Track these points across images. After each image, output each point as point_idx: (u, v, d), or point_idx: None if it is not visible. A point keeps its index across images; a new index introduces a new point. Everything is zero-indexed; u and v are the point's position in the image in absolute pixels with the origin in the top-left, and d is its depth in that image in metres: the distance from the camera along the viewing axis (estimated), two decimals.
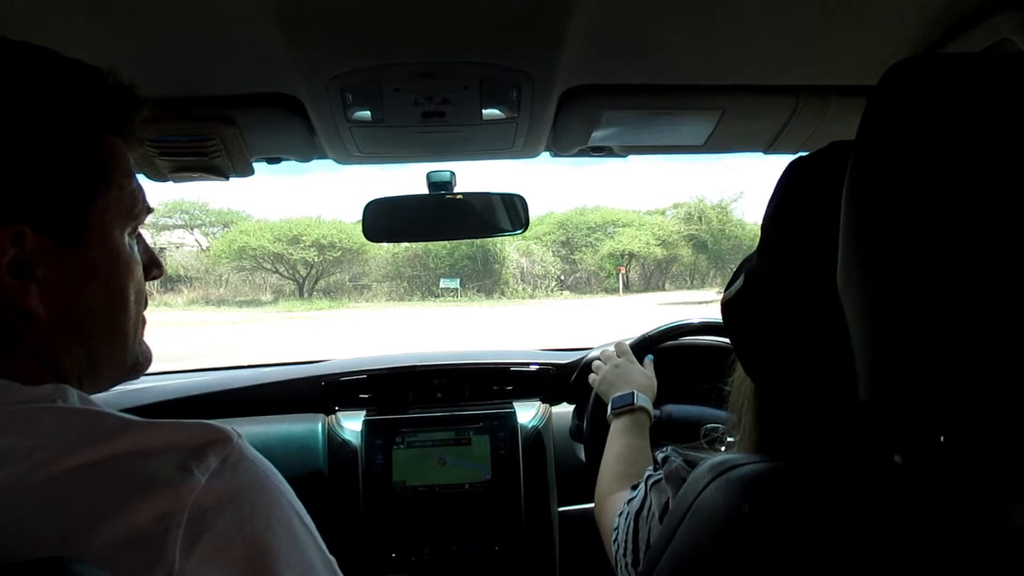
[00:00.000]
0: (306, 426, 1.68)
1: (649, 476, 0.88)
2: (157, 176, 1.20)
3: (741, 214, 25.60)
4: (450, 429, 1.66)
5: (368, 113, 1.08)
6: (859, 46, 1.00)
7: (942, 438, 0.49)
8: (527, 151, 1.30)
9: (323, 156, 1.27)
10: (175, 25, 0.86)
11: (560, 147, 1.29)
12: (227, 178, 1.22)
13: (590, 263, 24.20)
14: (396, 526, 1.60)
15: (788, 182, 0.65)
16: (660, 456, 0.87)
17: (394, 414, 1.70)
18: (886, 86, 0.45)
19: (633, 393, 1.27)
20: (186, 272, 22.83)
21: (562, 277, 24.31)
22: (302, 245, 22.33)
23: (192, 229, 24.19)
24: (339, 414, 1.75)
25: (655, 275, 25.21)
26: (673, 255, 24.44)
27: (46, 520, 0.46)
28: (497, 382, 1.78)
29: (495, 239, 22.64)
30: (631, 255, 24.05)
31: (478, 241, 22.17)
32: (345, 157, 1.26)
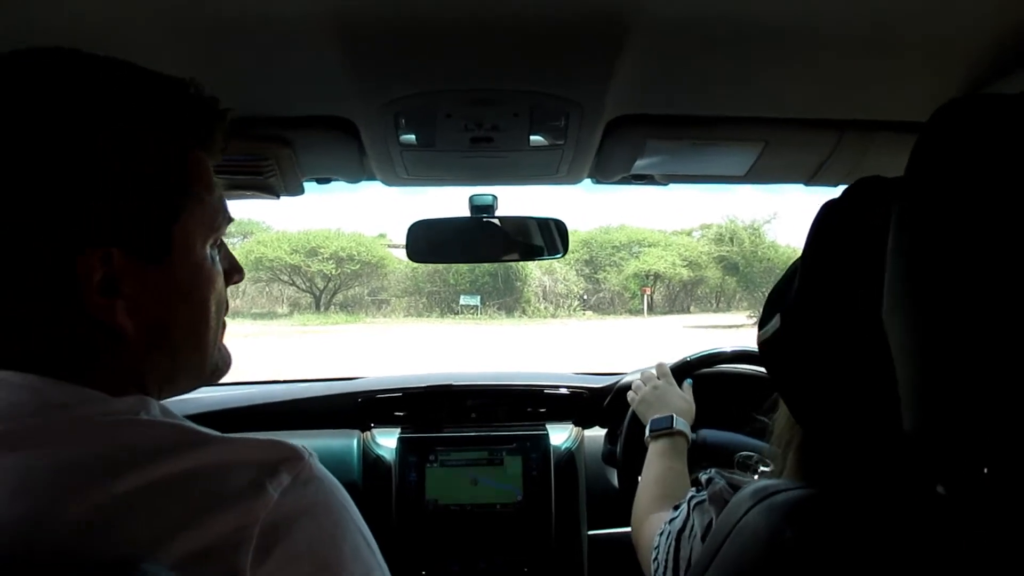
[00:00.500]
0: (342, 441, 1.74)
1: (692, 497, 0.91)
2: None
3: (774, 236, 24.93)
4: (483, 449, 1.70)
5: (419, 137, 1.13)
6: (904, 83, 1.02)
7: (986, 470, 0.49)
8: (571, 177, 1.34)
9: (372, 178, 1.33)
10: (239, 46, 0.90)
11: (603, 174, 1.33)
12: (278, 197, 1.27)
13: (614, 283, 23.97)
14: (427, 543, 1.64)
15: (823, 222, 0.66)
16: (704, 477, 0.89)
17: (428, 432, 1.75)
18: (937, 125, 0.47)
19: (672, 416, 1.30)
20: None
21: (585, 297, 24.10)
22: (320, 257, 22.16)
23: None
24: (374, 430, 1.80)
25: (680, 297, 24.82)
26: (699, 276, 24.04)
27: (125, 529, 0.49)
28: (531, 404, 1.83)
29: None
30: (656, 276, 23.77)
31: None
32: (393, 179, 1.32)
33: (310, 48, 0.89)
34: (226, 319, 0.71)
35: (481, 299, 23.12)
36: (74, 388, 0.55)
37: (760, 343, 0.70)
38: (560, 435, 1.79)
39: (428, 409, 1.81)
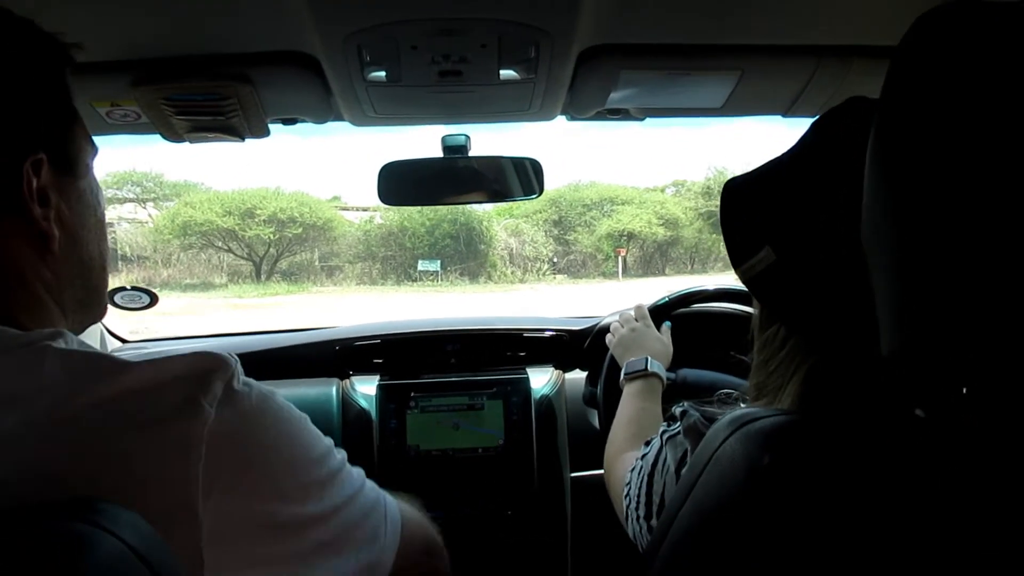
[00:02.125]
0: (321, 390, 1.83)
1: (664, 431, 0.95)
2: (173, 136, 1.30)
3: None
4: (463, 394, 1.82)
5: (385, 72, 1.18)
6: (882, 4, 1.07)
7: (965, 390, 0.51)
8: (544, 113, 1.40)
9: (339, 118, 1.38)
10: None
11: (577, 109, 1.39)
12: (243, 139, 1.31)
13: (586, 244, 23.31)
14: (410, 489, 1.72)
15: (809, 145, 0.71)
16: (678, 411, 0.92)
17: (407, 379, 1.85)
18: (918, 32, 0.48)
19: (647, 358, 1.39)
20: (132, 251, 21.80)
21: (555, 259, 23.46)
22: (257, 220, 20.83)
23: (144, 203, 23.02)
24: (353, 379, 1.90)
25: (655, 258, 24.04)
26: (675, 236, 23.34)
27: (63, 461, 0.53)
28: (510, 348, 1.94)
29: (479, 217, 21.84)
30: (631, 235, 23.12)
31: (461, 219, 21.59)
32: (361, 119, 1.37)
33: None
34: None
35: (441, 264, 22.43)
36: None
37: (747, 279, 0.73)
38: (541, 379, 1.90)
39: (407, 356, 1.92)
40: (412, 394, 1.82)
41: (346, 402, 1.85)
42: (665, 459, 0.91)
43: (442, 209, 20.64)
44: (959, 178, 0.45)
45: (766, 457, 0.58)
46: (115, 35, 1.08)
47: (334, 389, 1.86)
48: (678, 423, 0.91)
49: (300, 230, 21.71)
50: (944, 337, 0.47)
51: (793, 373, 0.74)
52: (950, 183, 0.45)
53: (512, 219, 23.10)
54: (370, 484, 0.74)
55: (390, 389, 1.84)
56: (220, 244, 21.95)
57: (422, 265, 22.57)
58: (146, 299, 1.77)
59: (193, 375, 0.59)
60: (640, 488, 0.95)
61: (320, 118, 1.38)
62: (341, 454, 0.71)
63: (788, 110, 1.40)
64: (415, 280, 22.43)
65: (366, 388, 1.88)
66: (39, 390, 0.55)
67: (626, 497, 0.99)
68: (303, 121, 1.39)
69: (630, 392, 1.37)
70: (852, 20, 1.15)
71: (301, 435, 0.67)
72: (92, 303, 0.74)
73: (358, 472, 0.73)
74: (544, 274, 23.11)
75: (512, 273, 23.02)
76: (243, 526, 0.59)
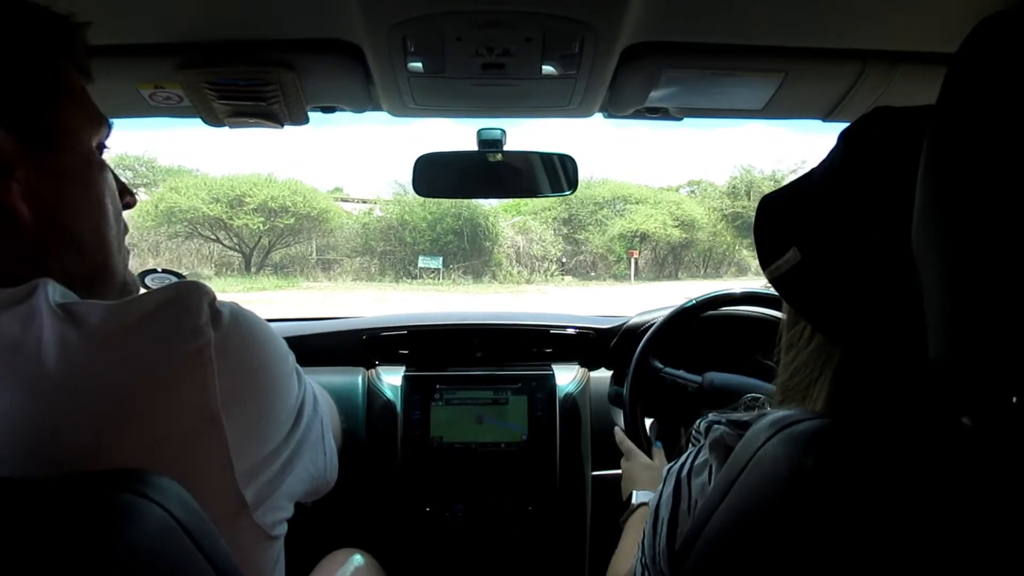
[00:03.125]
0: (347, 379, 1.90)
1: (671, 467, 0.95)
2: (214, 120, 1.35)
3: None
4: (488, 388, 1.88)
5: (427, 64, 1.22)
6: (932, 11, 1.10)
7: (1015, 399, 0.52)
8: (583, 110, 1.44)
9: (378, 108, 1.42)
10: None
11: (616, 107, 1.43)
12: (282, 125, 1.36)
13: (597, 244, 23.24)
14: (431, 481, 1.82)
15: (843, 149, 0.72)
16: (703, 425, 0.91)
17: (433, 371, 1.91)
18: (978, 38, 0.49)
19: (632, 493, 1.48)
20: None
21: (564, 260, 23.35)
22: (245, 209, 20.70)
23: (136, 188, 21.39)
24: (379, 368, 1.96)
25: (668, 261, 24.01)
26: (690, 238, 23.04)
27: (80, 405, 0.59)
28: (536, 344, 2.01)
29: (485, 212, 21.45)
30: (644, 236, 22.99)
31: (466, 214, 21.78)
32: (400, 109, 1.41)
33: None
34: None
35: (444, 261, 22.35)
36: None
37: (774, 279, 0.76)
38: (566, 376, 1.96)
39: (433, 348, 1.99)
40: (437, 386, 1.88)
41: (372, 391, 1.91)
42: (689, 495, 0.90)
43: (445, 202, 20.31)
44: (1016, 186, 0.46)
45: (810, 460, 0.58)
46: (162, 18, 1.12)
47: (360, 378, 1.93)
48: (702, 441, 0.91)
49: (293, 220, 21.27)
50: (994, 345, 0.48)
51: (820, 373, 0.76)
52: (1007, 192, 0.46)
53: (520, 216, 22.76)
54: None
55: (415, 380, 1.90)
56: (207, 233, 21.52)
57: (423, 261, 22.36)
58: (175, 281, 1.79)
59: (179, 299, 0.66)
60: (659, 532, 0.92)
61: (359, 107, 1.43)
62: (305, 384, 0.81)
63: (829, 114, 1.44)
64: (415, 277, 22.21)
65: (392, 379, 1.93)
66: (38, 340, 0.60)
67: (640, 557, 0.97)
68: (342, 110, 1.43)
69: (627, 528, 1.42)
70: (900, 24, 1.17)
71: (276, 340, 0.76)
72: (100, 279, 0.78)
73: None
74: (552, 275, 22.91)
75: (518, 273, 22.83)
76: (258, 429, 0.68)
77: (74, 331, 0.61)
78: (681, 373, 1.74)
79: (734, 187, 23.62)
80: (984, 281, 0.48)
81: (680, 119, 1.50)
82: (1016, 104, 0.46)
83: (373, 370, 1.98)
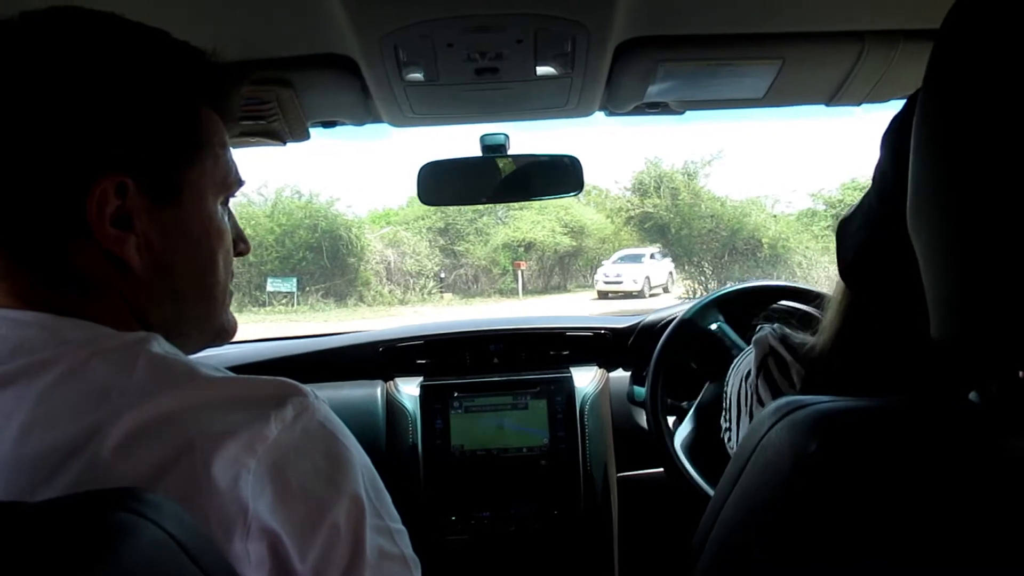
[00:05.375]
0: (365, 391, 1.86)
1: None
2: None
3: (705, 183, 19.31)
4: (507, 394, 1.82)
5: (422, 72, 1.18)
6: None
7: (1022, 374, 0.51)
8: (581, 109, 1.39)
9: (378, 120, 1.39)
10: None
11: (615, 104, 1.38)
12: (284, 143, 1.33)
13: (479, 256, 19.59)
14: (455, 489, 1.76)
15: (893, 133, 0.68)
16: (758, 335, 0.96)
17: (451, 379, 1.86)
18: (962, 11, 0.47)
19: None
20: None
21: (442, 275, 19.71)
22: None
23: None
24: (397, 380, 1.91)
25: (556, 272, 20.14)
26: (580, 246, 19.67)
27: (132, 457, 0.55)
28: (553, 347, 1.94)
29: (347, 223, 18.49)
30: (530, 245, 19.49)
31: (323, 224, 18.51)
32: (400, 119, 1.37)
33: None
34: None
35: (298, 282, 18.25)
36: (85, 323, 0.62)
37: (844, 272, 0.76)
38: (584, 378, 1.89)
39: (450, 356, 1.93)
40: (455, 394, 1.83)
41: (390, 403, 1.86)
42: (742, 392, 0.96)
43: (298, 213, 18.38)
44: (1009, 158, 0.43)
45: (812, 444, 0.55)
46: None
47: (379, 390, 1.89)
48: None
49: None
50: (1001, 319, 0.45)
51: (833, 306, 0.78)
52: (999, 163, 0.44)
53: (390, 227, 20.04)
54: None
55: (434, 389, 1.85)
56: None
57: (272, 285, 18.20)
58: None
59: (271, 397, 0.61)
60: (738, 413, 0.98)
61: (359, 120, 1.40)
62: (397, 523, 0.69)
63: (832, 98, 1.37)
64: (263, 304, 18.06)
65: (410, 389, 1.88)
66: (126, 388, 0.57)
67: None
68: (343, 123, 1.40)
69: None
70: (897, 3, 1.11)
71: (360, 496, 0.65)
72: (190, 330, 0.74)
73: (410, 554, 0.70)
74: (430, 292, 19.44)
75: (390, 292, 19.09)
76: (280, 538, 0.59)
77: (166, 388, 0.59)
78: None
79: (641, 183, 19.59)
80: (985, 252, 0.45)
81: (682, 112, 1.44)
82: (1000, 75, 0.44)
83: (391, 382, 1.94)
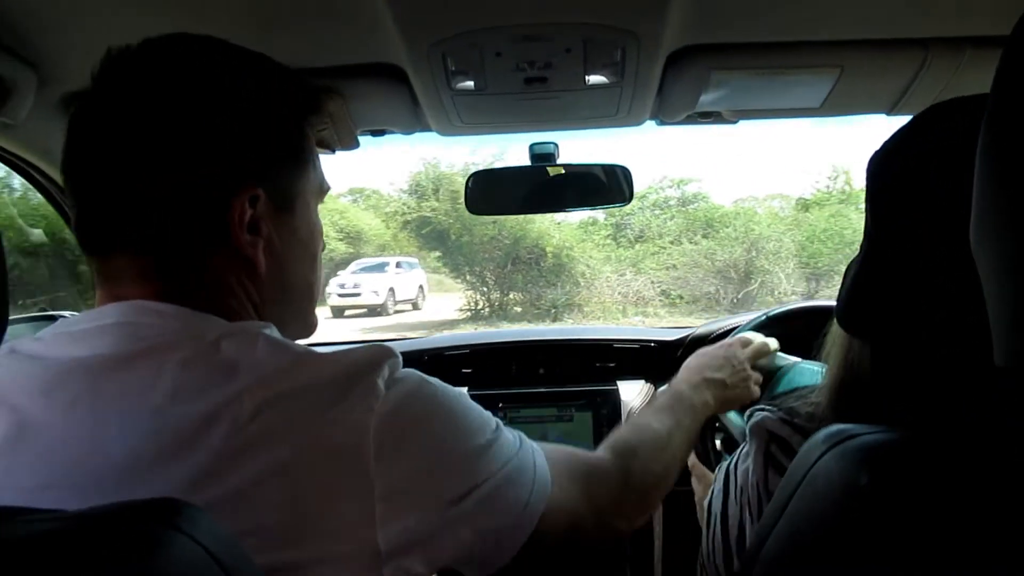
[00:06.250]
0: None
1: (722, 464, 0.90)
2: None
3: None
4: (552, 405, 1.77)
5: (471, 81, 1.16)
6: None
7: None
8: (632, 118, 1.36)
9: (426, 128, 1.37)
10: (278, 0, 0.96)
11: (666, 113, 1.34)
12: (333, 151, 1.31)
13: None
14: None
15: (892, 150, 0.67)
16: (751, 423, 0.85)
17: (496, 389, 1.82)
18: None
19: None
20: None
21: None
22: None
23: None
24: None
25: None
26: (356, 253, 17.20)
27: (265, 423, 0.60)
28: (600, 359, 1.88)
29: None
30: None
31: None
32: (448, 128, 1.36)
33: None
34: None
35: None
36: (212, 318, 0.68)
37: (839, 315, 0.73)
38: (631, 390, 1.83)
39: (496, 366, 1.89)
40: (500, 404, 1.79)
41: None
42: (736, 486, 0.86)
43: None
44: None
45: (864, 476, 0.53)
46: None
47: None
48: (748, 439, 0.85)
49: None
50: None
51: (831, 358, 0.75)
52: None
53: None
54: (525, 450, 0.77)
55: (478, 399, 1.79)
56: None
57: None
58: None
59: (372, 362, 0.66)
60: (712, 527, 0.89)
61: (408, 128, 1.39)
62: (495, 423, 0.77)
63: (893, 108, 1.30)
64: None
65: None
66: (252, 364, 0.63)
67: (707, 538, 0.93)
68: (391, 132, 1.39)
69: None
70: (964, 9, 1.05)
71: (455, 413, 0.72)
72: (291, 323, 0.79)
73: (513, 439, 0.77)
74: None
75: None
76: (405, 488, 0.64)
77: (285, 365, 0.64)
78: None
79: (418, 184, 17.64)
80: None
81: (735, 122, 1.40)
82: None
83: None
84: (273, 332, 0.69)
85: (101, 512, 0.48)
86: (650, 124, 1.43)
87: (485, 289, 15.95)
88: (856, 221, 7.91)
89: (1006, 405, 0.56)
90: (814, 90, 1.25)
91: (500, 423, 0.77)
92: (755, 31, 1.11)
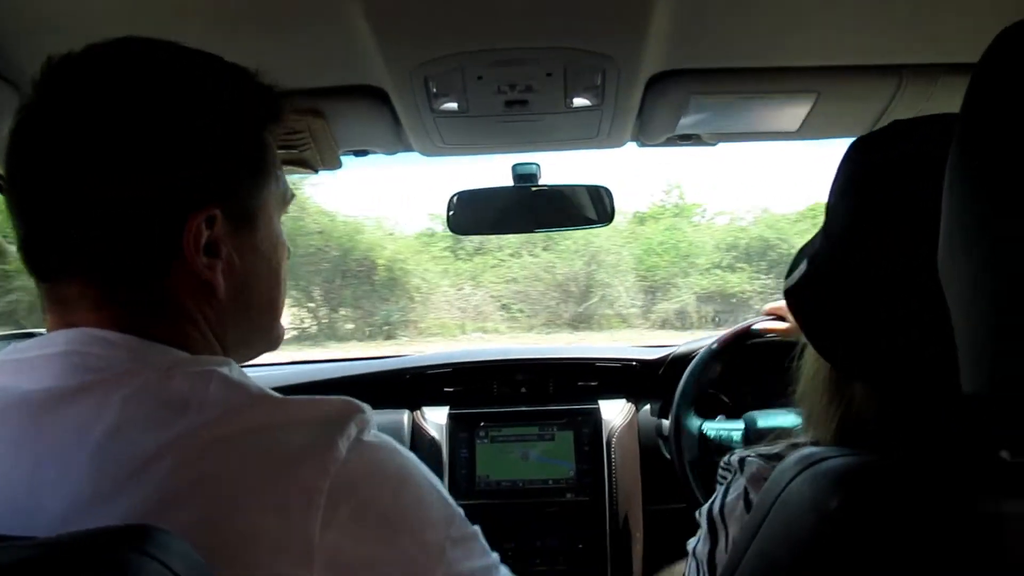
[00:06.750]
0: (392, 418, 1.82)
1: (708, 509, 0.85)
2: None
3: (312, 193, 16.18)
4: (533, 424, 1.76)
5: (453, 103, 1.16)
6: (970, 19, 0.99)
7: None
8: (613, 140, 1.36)
9: (409, 149, 1.37)
10: (261, 18, 0.95)
11: (647, 136, 1.34)
12: (316, 171, 1.33)
13: None
14: (480, 519, 1.70)
15: (854, 162, 0.67)
16: (735, 460, 0.83)
17: (478, 408, 1.81)
18: (1001, 46, 0.44)
19: None
20: None
21: None
22: None
23: None
24: (423, 408, 1.86)
25: None
26: None
27: (204, 482, 0.55)
28: (581, 378, 1.87)
29: None
30: None
31: None
32: (430, 148, 1.36)
33: (332, 15, 0.94)
34: None
35: None
36: (165, 348, 0.63)
37: (786, 291, 0.73)
38: (613, 409, 1.83)
39: (478, 384, 1.88)
40: (482, 423, 1.78)
41: (417, 432, 1.82)
42: (727, 535, 0.82)
43: None
44: None
45: (835, 500, 0.54)
46: None
47: (405, 418, 1.84)
48: (732, 476, 0.83)
49: None
50: None
51: (821, 395, 0.72)
52: None
53: None
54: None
55: (460, 418, 1.80)
56: None
57: None
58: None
59: (336, 416, 0.61)
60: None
61: (390, 149, 1.38)
62: (472, 528, 0.71)
63: (869, 132, 1.30)
64: None
65: (436, 418, 1.84)
66: (204, 402, 0.58)
67: None
68: (374, 152, 1.39)
69: None
70: (937, 37, 1.06)
71: (421, 496, 0.66)
72: (255, 341, 0.76)
73: (489, 555, 0.73)
74: None
75: None
76: (350, 567, 0.58)
77: (236, 408, 0.60)
78: (721, 425, 1.55)
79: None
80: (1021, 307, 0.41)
81: (714, 144, 1.40)
82: None
83: (418, 411, 1.89)
84: (231, 370, 0.64)
85: (72, 539, 0.47)
86: None
87: (312, 305, 15.03)
88: (690, 234, 8.06)
89: (973, 430, 0.55)
90: (791, 114, 1.26)
91: (479, 532, 0.72)
92: (734, 56, 1.12)
